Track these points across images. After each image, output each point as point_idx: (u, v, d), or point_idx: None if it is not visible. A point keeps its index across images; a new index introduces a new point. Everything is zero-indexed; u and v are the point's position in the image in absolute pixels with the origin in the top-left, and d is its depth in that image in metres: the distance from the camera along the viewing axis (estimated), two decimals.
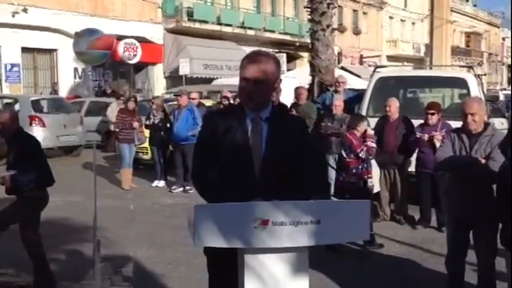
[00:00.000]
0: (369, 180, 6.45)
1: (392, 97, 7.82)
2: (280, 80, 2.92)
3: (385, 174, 7.64)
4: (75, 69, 21.90)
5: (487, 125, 4.50)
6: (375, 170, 6.55)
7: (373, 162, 6.57)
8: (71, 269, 5.67)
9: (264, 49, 2.99)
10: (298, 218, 2.39)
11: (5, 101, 15.47)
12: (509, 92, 31.17)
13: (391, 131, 7.56)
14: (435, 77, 10.18)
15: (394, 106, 7.59)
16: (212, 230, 2.36)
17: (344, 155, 6.57)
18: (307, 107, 9.69)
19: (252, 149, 2.77)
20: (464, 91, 8.80)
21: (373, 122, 7.96)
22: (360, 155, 6.41)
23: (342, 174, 6.58)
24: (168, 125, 10.28)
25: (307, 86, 13.12)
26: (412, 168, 7.70)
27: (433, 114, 7.22)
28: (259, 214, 2.38)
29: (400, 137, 7.50)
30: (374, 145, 6.53)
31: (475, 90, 8.38)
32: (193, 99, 11.37)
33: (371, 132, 6.72)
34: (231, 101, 11.06)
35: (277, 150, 2.78)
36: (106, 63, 21.25)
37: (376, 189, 6.57)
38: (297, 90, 10.03)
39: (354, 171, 6.44)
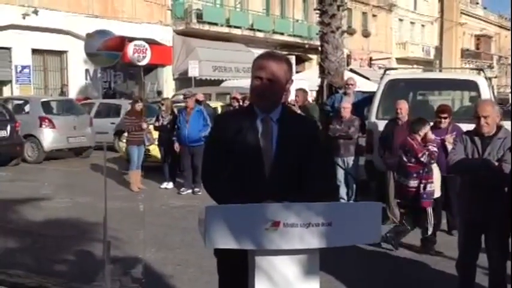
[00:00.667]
0: (429, 185, 6.33)
1: (402, 99, 7.79)
2: (292, 80, 2.92)
3: (394, 176, 7.60)
4: (87, 71, 21.97)
5: (499, 127, 4.46)
6: (437, 174, 6.44)
7: (435, 166, 6.44)
8: (81, 270, 5.69)
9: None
10: (310, 220, 2.38)
11: (16, 102, 15.57)
12: None
13: (401, 134, 7.52)
14: (445, 80, 10.11)
15: (404, 108, 7.56)
16: (223, 231, 2.35)
17: (405, 159, 6.42)
18: (309, 109, 9.68)
19: (263, 150, 2.76)
20: (475, 94, 8.76)
21: (383, 124, 7.94)
22: (422, 159, 6.28)
23: (402, 178, 6.50)
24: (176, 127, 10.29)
25: (316, 88, 13.11)
26: None
27: (445, 118, 7.19)
28: (271, 216, 2.36)
29: None
30: (435, 149, 6.33)
31: (485, 93, 8.33)
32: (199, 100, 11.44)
33: (432, 136, 6.58)
34: (241, 103, 11.08)
35: (287, 151, 2.77)
36: (117, 65, 21.32)
37: (437, 194, 6.47)
38: (297, 92, 10.02)
39: (414, 175, 6.30)
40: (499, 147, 4.34)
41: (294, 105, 9.78)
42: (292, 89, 10.54)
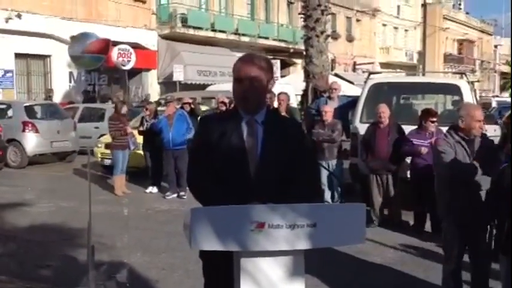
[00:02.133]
0: None
1: (382, 103, 7.86)
2: (274, 80, 2.94)
3: (377, 179, 7.67)
4: (71, 74, 21.83)
5: None
6: None
7: None
8: (65, 275, 5.64)
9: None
10: (294, 221, 2.39)
11: None
12: (502, 99, 31.39)
13: (383, 137, 7.60)
14: (428, 83, 10.21)
15: (386, 112, 7.63)
16: (208, 233, 2.35)
17: None
18: (291, 111, 9.71)
19: (248, 152, 2.77)
20: (458, 97, 8.85)
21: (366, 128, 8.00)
22: None
23: None
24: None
25: (301, 92, 13.17)
26: (407, 174, 7.73)
27: (433, 122, 7.27)
28: (255, 217, 2.37)
29: (391, 143, 7.53)
30: None
31: (468, 97, 8.42)
32: (186, 103, 11.43)
33: None
34: (228, 107, 11.06)
35: (273, 153, 2.78)
36: (101, 68, 21.21)
37: None
38: (279, 96, 10.04)
39: None
40: (475, 148, 4.49)
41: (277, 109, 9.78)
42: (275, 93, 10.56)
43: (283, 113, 9.40)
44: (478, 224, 4.43)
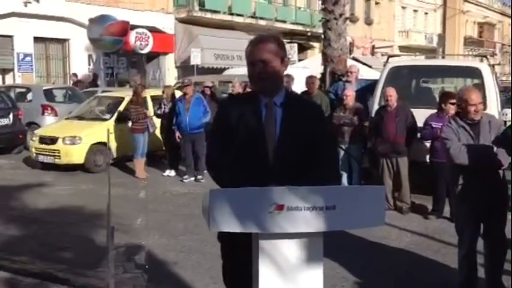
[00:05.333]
0: None
1: (390, 86, 7.82)
2: (288, 59, 2.92)
3: (387, 163, 7.64)
4: (90, 57, 21.88)
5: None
6: None
7: None
8: (84, 257, 5.71)
9: None
10: (314, 203, 2.37)
11: (18, 90, 15.56)
12: None
13: (391, 120, 7.58)
14: (449, 67, 10.07)
15: (393, 95, 7.60)
16: (227, 214, 2.35)
17: None
18: (319, 96, 9.65)
19: (266, 135, 2.76)
20: (478, 81, 8.72)
21: None
22: None
23: None
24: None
25: (319, 76, 13.08)
26: (426, 158, 7.67)
27: (453, 104, 7.19)
28: (275, 199, 2.36)
29: (400, 125, 7.50)
30: None
31: (489, 80, 8.30)
32: (207, 87, 11.44)
33: None
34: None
35: (291, 135, 2.77)
36: (120, 51, 21.23)
37: None
38: (309, 79, 9.98)
39: None
40: (488, 131, 4.42)
41: (306, 92, 9.73)
42: (303, 77, 10.52)
43: (313, 96, 9.37)
44: (488, 208, 4.38)
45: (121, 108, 11.29)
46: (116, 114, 11.22)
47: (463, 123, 4.47)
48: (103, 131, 10.47)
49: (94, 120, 11.50)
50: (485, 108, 5.43)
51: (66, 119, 12.13)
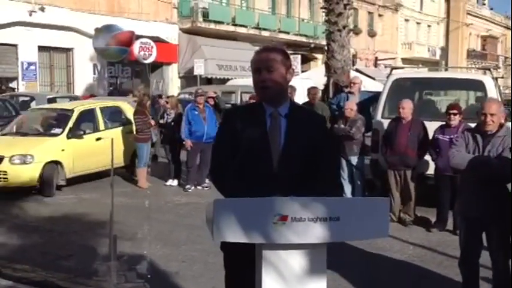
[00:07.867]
0: None
1: (406, 98, 7.78)
2: (293, 70, 2.94)
3: (395, 175, 7.61)
4: (95, 66, 22.00)
5: (501, 126, 4.49)
6: None
7: None
8: (86, 265, 5.69)
9: None
10: (318, 214, 2.38)
11: (22, 98, 15.61)
12: None
13: (404, 132, 7.53)
14: (452, 79, 10.07)
15: (408, 107, 7.56)
16: (231, 224, 2.35)
17: None
18: (320, 107, 9.67)
19: (271, 145, 2.77)
20: (481, 94, 8.73)
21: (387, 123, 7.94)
22: None
23: None
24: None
25: (321, 87, 13.11)
26: (431, 171, 7.65)
27: (455, 114, 7.18)
28: (279, 209, 2.37)
29: (412, 138, 7.47)
30: None
31: (492, 93, 8.30)
32: (210, 97, 11.45)
33: None
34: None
35: (296, 146, 2.77)
36: (125, 60, 21.32)
37: None
38: (311, 90, 10.02)
39: None
40: (499, 145, 4.38)
41: (308, 102, 9.74)
42: (305, 88, 10.55)
43: (315, 107, 9.39)
44: (485, 220, 4.37)
45: (71, 123, 9.94)
46: (67, 129, 9.85)
47: (476, 133, 4.48)
48: (56, 147, 9.55)
49: (42, 136, 10.02)
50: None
51: (3, 135, 10.32)
